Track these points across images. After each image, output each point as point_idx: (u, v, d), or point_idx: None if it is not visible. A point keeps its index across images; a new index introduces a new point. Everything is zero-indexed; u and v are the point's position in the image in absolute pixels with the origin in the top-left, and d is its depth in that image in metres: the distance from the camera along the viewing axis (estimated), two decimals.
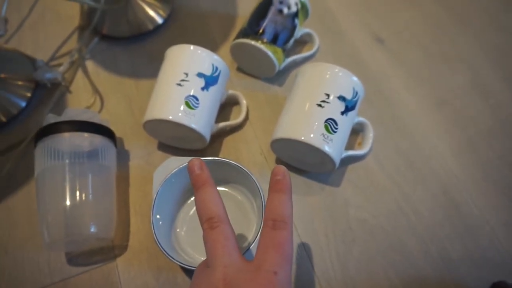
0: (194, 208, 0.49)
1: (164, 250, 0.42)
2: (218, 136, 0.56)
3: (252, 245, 0.41)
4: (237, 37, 0.56)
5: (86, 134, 0.49)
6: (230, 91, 0.56)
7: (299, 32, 0.59)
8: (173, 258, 0.42)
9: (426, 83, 0.59)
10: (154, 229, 0.43)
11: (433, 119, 0.56)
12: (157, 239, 0.43)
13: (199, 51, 0.51)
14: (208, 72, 0.51)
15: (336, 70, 0.48)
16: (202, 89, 0.50)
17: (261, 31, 0.54)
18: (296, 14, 0.57)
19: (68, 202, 0.46)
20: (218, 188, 0.50)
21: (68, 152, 0.48)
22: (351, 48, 0.63)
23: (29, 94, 0.61)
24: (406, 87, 0.59)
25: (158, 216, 0.45)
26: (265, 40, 0.54)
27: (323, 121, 0.46)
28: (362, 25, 0.65)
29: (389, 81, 0.59)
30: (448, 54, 0.61)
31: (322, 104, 0.47)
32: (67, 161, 0.47)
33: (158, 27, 0.66)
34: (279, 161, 0.54)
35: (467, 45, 0.62)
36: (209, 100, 0.51)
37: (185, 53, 0.52)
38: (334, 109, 0.47)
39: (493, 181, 0.51)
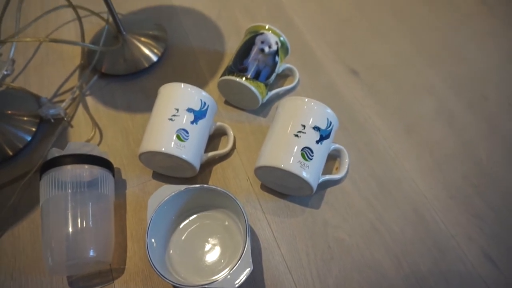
0: (186, 232, 0.54)
1: (158, 271, 0.46)
2: (208, 165, 0.61)
3: (237, 264, 0.46)
4: (223, 74, 0.62)
5: (86, 166, 0.54)
6: (218, 123, 0.62)
7: (280, 67, 0.65)
8: (166, 278, 0.46)
9: (396, 111, 0.65)
10: (148, 251, 0.48)
11: (403, 144, 0.61)
12: (151, 261, 0.47)
13: (188, 89, 0.57)
14: (197, 107, 0.56)
15: (312, 103, 0.54)
16: (192, 122, 0.55)
17: (244, 68, 0.61)
18: (276, 52, 0.63)
19: (70, 229, 0.51)
20: (207, 213, 0.55)
21: (70, 182, 0.52)
22: (328, 81, 0.69)
23: (34, 129, 0.67)
24: (378, 115, 0.64)
25: (152, 240, 0.49)
26: (248, 76, 0.60)
27: (300, 149, 0.51)
28: (338, 59, 0.71)
29: (363, 110, 0.65)
30: (415, 84, 0.67)
31: (299, 134, 0.52)
32: (69, 191, 0.52)
33: (152, 65, 0.72)
34: (263, 186, 0.59)
35: (433, 76, 0.68)
36: (198, 132, 0.56)
37: (176, 90, 0.57)
38: (310, 138, 0.52)
39: (457, 199, 0.56)
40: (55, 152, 0.55)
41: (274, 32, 0.63)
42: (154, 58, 0.72)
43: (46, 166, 0.53)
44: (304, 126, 0.52)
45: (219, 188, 0.51)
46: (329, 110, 0.55)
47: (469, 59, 0.70)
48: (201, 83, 0.70)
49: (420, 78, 0.68)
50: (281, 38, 0.64)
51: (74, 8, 0.66)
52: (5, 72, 0.74)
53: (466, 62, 0.69)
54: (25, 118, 0.68)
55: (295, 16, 0.77)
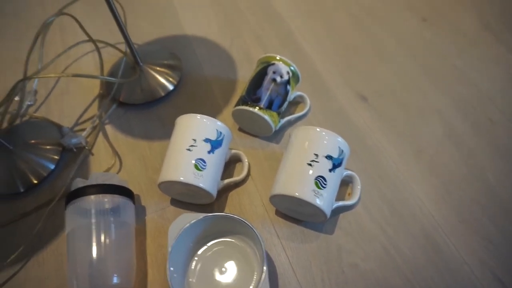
0: (204, 258, 0.56)
1: None
2: (224, 191, 0.63)
3: None
4: (237, 104, 0.65)
5: (108, 195, 0.56)
6: (233, 151, 0.64)
7: (292, 95, 0.68)
8: None
9: (404, 135, 0.67)
10: (171, 282, 0.49)
11: (412, 167, 0.63)
12: None
13: (204, 120, 0.60)
14: (213, 137, 0.59)
15: (323, 133, 0.56)
16: (209, 152, 0.58)
17: (258, 98, 0.63)
18: (288, 82, 0.66)
19: (94, 256, 0.53)
20: (226, 239, 0.57)
21: (94, 211, 0.55)
22: (338, 106, 0.71)
23: (57, 157, 0.69)
24: (387, 140, 0.66)
25: (172, 269, 0.51)
26: (261, 106, 0.63)
27: (313, 178, 0.53)
28: (347, 85, 0.74)
29: (372, 134, 0.67)
30: (422, 107, 0.70)
31: (312, 163, 0.54)
32: (93, 220, 0.55)
33: (168, 93, 0.75)
34: (278, 212, 0.61)
35: (439, 99, 0.70)
36: (215, 161, 0.59)
37: (193, 122, 0.60)
38: (323, 167, 0.54)
39: (467, 223, 0.57)
40: (79, 183, 0.57)
41: (285, 62, 0.66)
42: (170, 87, 0.75)
43: (71, 196, 0.56)
44: (317, 155, 0.55)
45: (236, 216, 0.53)
46: (340, 139, 0.57)
47: (475, 83, 0.72)
48: (215, 111, 0.73)
49: (427, 102, 0.70)
50: (292, 68, 0.67)
51: (94, 42, 0.70)
52: (29, 103, 0.77)
53: (472, 85, 0.71)
54: (48, 147, 0.71)
55: (305, 43, 0.81)
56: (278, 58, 0.66)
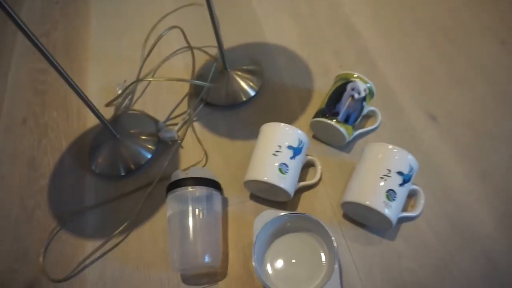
0: (279, 249, 0.64)
1: (265, 283, 0.57)
2: (298, 192, 0.71)
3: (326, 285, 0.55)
4: (317, 115, 0.72)
5: (204, 187, 0.66)
6: (309, 157, 0.72)
7: (365, 110, 0.74)
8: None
9: (471, 157, 0.71)
10: (257, 268, 0.58)
11: (477, 189, 0.68)
12: (261, 278, 0.57)
13: (287, 128, 0.68)
14: (295, 144, 0.67)
15: (395, 150, 0.63)
16: (291, 158, 0.66)
17: (336, 112, 0.70)
18: (364, 98, 0.72)
19: (191, 237, 0.63)
20: (301, 234, 0.65)
21: (190, 200, 0.65)
22: (408, 123, 0.76)
23: (153, 147, 0.81)
24: (454, 160, 0.71)
25: (255, 256, 0.60)
26: (339, 119, 0.70)
27: (385, 191, 0.60)
28: (418, 103, 0.78)
29: (439, 154, 0.72)
30: (492, 132, 0.73)
31: (384, 177, 0.61)
32: (190, 207, 0.65)
33: (249, 99, 0.84)
34: (345, 215, 0.68)
35: (510, 126, 0.73)
36: (296, 166, 0.67)
37: (278, 130, 0.68)
38: (394, 182, 0.61)
39: None
40: (180, 174, 0.68)
41: (362, 80, 0.72)
42: (252, 93, 0.84)
43: (172, 186, 0.66)
44: (389, 171, 0.61)
45: (313, 217, 0.61)
46: (410, 157, 0.63)
47: None
48: (292, 117, 0.80)
49: (498, 127, 0.73)
50: (368, 85, 0.73)
51: (192, 50, 0.79)
52: (129, 97, 0.89)
53: None
54: (145, 137, 0.82)
55: (380, 60, 0.85)
56: (355, 75, 0.72)
